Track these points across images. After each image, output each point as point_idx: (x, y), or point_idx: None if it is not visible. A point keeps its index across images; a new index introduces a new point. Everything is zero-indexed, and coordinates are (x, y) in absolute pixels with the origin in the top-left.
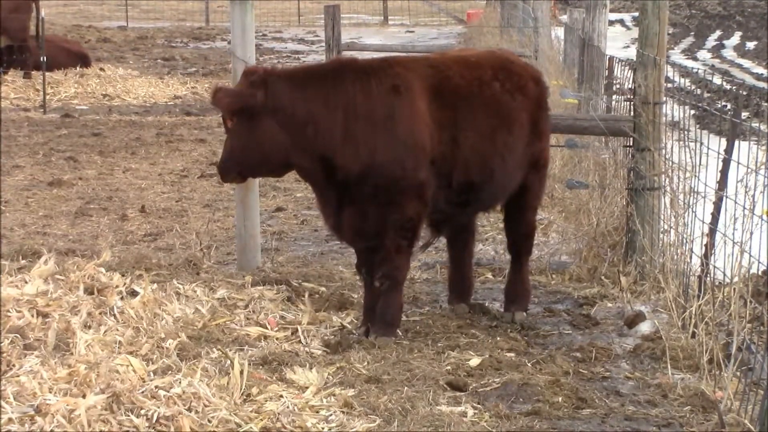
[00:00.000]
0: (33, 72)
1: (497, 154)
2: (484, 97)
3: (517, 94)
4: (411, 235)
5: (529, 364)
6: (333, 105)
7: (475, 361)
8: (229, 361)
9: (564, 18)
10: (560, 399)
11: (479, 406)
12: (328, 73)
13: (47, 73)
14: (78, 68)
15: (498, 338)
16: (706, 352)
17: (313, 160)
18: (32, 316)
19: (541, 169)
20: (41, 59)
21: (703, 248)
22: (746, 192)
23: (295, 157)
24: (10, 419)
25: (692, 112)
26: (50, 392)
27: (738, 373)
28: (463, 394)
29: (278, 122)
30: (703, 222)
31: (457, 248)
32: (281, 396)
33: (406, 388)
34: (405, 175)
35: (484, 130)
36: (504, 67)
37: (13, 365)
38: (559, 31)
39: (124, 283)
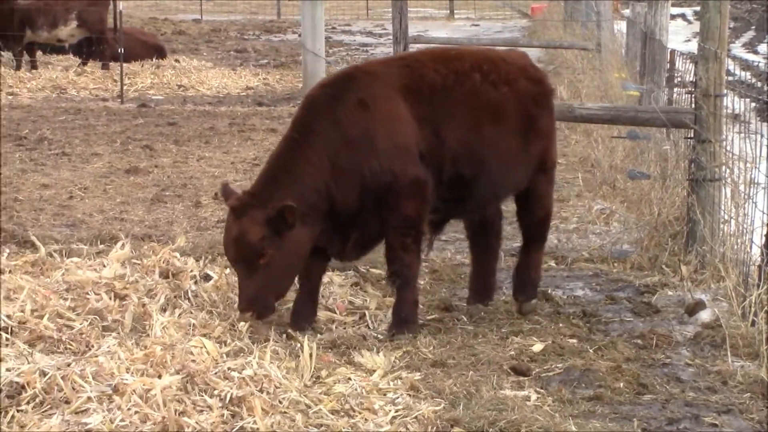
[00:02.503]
0: (111, 63)
1: (486, 145)
2: (463, 90)
3: (503, 86)
4: (414, 232)
5: (591, 350)
6: (318, 160)
7: (538, 347)
8: (298, 344)
9: (626, 12)
10: (621, 384)
11: (542, 390)
12: (303, 127)
13: (125, 65)
14: (154, 60)
15: (560, 324)
16: (766, 341)
17: (321, 223)
18: (110, 298)
19: (549, 171)
20: (119, 51)
21: (763, 238)
22: None
23: (315, 225)
24: (88, 398)
25: (753, 104)
26: (127, 372)
27: None
28: (526, 378)
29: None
30: (763, 212)
31: (479, 248)
32: (349, 378)
33: (470, 372)
34: (395, 179)
35: (467, 122)
36: (489, 59)
37: (92, 346)
38: (622, 25)
39: (198, 268)
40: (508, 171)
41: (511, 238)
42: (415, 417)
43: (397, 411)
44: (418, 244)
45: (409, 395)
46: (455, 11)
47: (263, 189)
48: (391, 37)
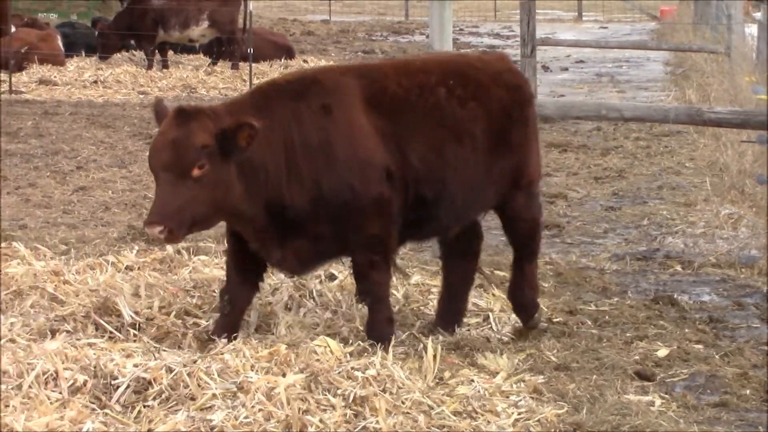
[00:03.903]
0: (240, 63)
1: (449, 166)
2: (426, 106)
3: (470, 101)
4: (382, 248)
5: (717, 356)
6: (275, 143)
7: (663, 352)
8: (422, 345)
9: (758, 15)
10: (748, 392)
11: (666, 396)
12: (260, 107)
13: (253, 65)
14: (283, 60)
15: (686, 330)
16: None
17: (259, 207)
18: None
19: (525, 187)
20: (248, 51)
21: None
22: None
23: (244, 205)
24: (213, 395)
25: None
26: (252, 370)
27: None
28: (650, 383)
29: (237, 169)
30: None
31: (452, 270)
32: (472, 380)
33: (594, 376)
34: (356, 196)
35: (430, 141)
36: (457, 71)
37: (218, 343)
38: (753, 29)
39: (323, 268)
40: (472, 193)
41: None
42: (538, 420)
43: (519, 414)
44: (387, 262)
45: (532, 398)
46: (583, 13)
47: (219, 110)
48: (518, 39)
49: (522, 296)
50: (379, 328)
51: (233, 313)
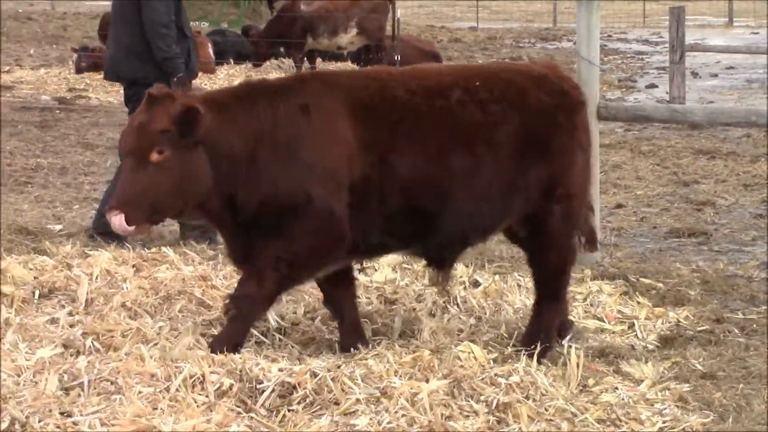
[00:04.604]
0: None
1: (455, 175)
2: (431, 110)
3: (494, 104)
4: (287, 271)
5: None
6: (247, 135)
7: None
8: (565, 352)
9: None
10: None
11: None
12: (241, 97)
13: None
14: None
15: None
16: None
17: (223, 200)
18: (380, 302)
19: (562, 200)
20: (395, 58)
21: None
22: None
23: (211, 197)
24: (357, 400)
25: None
26: (395, 375)
27: None
28: None
29: (208, 158)
30: None
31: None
32: (616, 388)
33: (741, 385)
34: (309, 205)
35: (430, 149)
36: (487, 75)
37: (361, 348)
38: None
39: (468, 274)
40: (491, 202)
41: None
42: (683, 429)
43: (664, 422)
44: (279, 287)
45: (677, 406)
46: (734, 19)
47: (193, 96)
48: (667, 45)
49: (531, 342)
50: (218, 344)
51: (345, 318)
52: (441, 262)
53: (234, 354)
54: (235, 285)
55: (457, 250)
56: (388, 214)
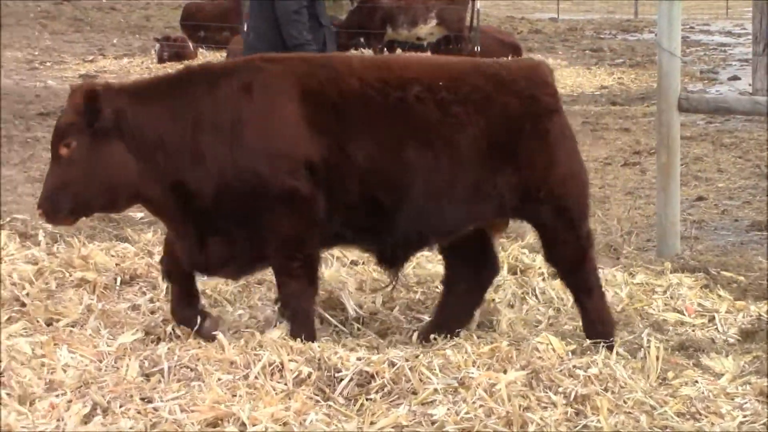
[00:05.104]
0: None
1: (411, 172)
2: (387, 104)
3: (457, 106)
4: (300, 255)
5: None
6: (181, 120)
7: None
8: (645, 345)
9: None
10: None
11: None
12: (174, 83)
13: None
14: (509, 58)
15: None
16: None
17: (164, 190)
18: None
19: (547, 200)
20: (475, 49)
21: None
22: None
23: (144, 188)
24: (435, 390)
25: None
26: (473, 366)
27: None
28: None
29: (127, 146)
30: None
31: (451, 293)
32: (696, 381)
33: None
34: (264, 186)
35: (384, 140)
36: (452, 75)
37: (439, 339)
38: None
39: (547, 265)
40: (452, 204)
41: None
42: (764, 424)
43: (744, 416)
44: (308, 270)
45: (758, 401)
46: None
47: (120, 87)
48: (750, 36)
49: (594, 334)
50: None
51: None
52: (393, 261)
53: (312, 343)
54: (277, 288)
55: (412, 250)
56: (348, 202)
